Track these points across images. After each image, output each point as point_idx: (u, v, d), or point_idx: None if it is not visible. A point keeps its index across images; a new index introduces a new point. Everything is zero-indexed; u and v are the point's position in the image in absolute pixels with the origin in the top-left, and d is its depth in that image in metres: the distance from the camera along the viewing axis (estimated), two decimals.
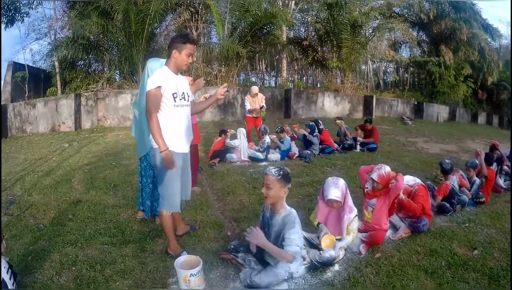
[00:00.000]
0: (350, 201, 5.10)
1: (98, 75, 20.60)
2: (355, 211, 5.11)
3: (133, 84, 19.00)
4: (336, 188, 4.94)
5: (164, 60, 5.47)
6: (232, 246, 4.76)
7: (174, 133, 4.58)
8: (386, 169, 5.35)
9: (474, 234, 6.10)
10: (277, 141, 11.42)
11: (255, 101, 12.18)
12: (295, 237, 4.16)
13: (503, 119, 43.81)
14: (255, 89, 12.63)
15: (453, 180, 7.67)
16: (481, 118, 40.31)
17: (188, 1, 21.80)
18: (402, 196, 5.80)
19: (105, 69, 21.54)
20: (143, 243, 5.15)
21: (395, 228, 5.91)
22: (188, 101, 4.78)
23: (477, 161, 8.47)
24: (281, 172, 4.23)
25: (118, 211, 6.46)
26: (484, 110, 41.46)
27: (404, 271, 4.73)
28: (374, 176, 5.34)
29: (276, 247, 4.20)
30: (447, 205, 7.04)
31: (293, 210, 4.39)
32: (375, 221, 5.46)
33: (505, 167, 10.04)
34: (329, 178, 5.18)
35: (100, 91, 18.35)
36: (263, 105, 12.13)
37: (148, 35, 18.13)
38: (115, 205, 6.85)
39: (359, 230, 5.32)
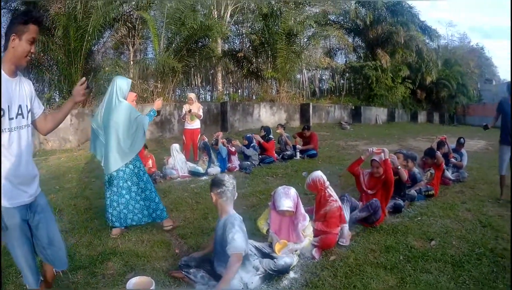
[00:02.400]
0: (302, 209, 5.04)
1: (39, 96, 19.81)
2: (308, 218, 5.09)
3: None
4: (287, 199, 4.87)
5: (130, 81, 6.02)
6: (183, 263, 4.51)
7: None
8: (313, 175, 5.56)
9: (429, 226, 6.21)
10: (238, 143, 11.69)
11: (192, 108, 12.04)
12: (235, 236, 3.98)
13: (444, 116, 45.40)
14: (190, 95, 12.59)
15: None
16: (421, 117, 41.43)
17: (126, 16, 21.36)
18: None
19: (45, 89, 20.78)
20: (93, 268, 4.86)
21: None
22: (27, 118, 3.27)
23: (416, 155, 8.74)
24: (210, 181, 4.45)
25: (65, 236, 6.04)
26: (424, 108, 42.66)
27: (362, 270, 4.65)
28: (305, 185, 5.63)
29: (224, 276, 3.93)
30: (402, 204, 7.05)
31: (236, 214, 4.33)
32: (325, 225, 5.43)
33: (452, 160, 10.35)
34: (280, 187, 5.07)
35: None
36: (190, 109, 11.97)
37: (87, 52, 17.58)
38: (62, 230, 6.47)
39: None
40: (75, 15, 16.93)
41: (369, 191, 6.58)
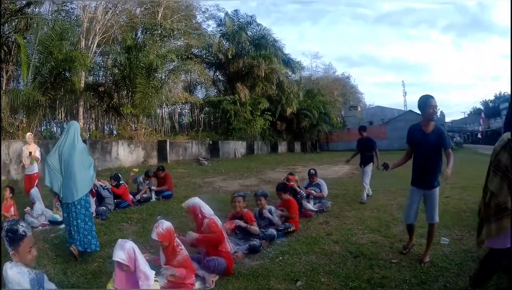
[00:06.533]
0: (142, 265, 4.67)
1: None
2: (151, 277, 4.70)
3: None
4: (121, 250, 4.56)
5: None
6: None
7: None
8: (164, 225, 5.11)
9: (292, 265, 5.79)
10: (106, 183, 11.00)
11: (28, 149, 11.16)
12: None
13: (305, 145, 47.26)
14: (27, 135, 11.83)
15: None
16: (282, 147, 42.83)
17: (4, 39, 20.11)
18: (195, 235, 5.74)
19: None
20: None
21: (203, 278, 5.41)
22: None
23: (266, 191, 8.22)
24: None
25: None
26: (285, 139, 44.24)
27: None
28: (154, 236, 5.04)
29: None
30: (256, 244, 6.52)
31: None
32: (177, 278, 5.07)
33: (312, 192, 9.98)
34: (119, 240, 4.80)
35: None
36: (30, 152, 11.04)
37: None
38: None
39: (163, 288, 4.94)
40: None
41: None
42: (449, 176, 5.52)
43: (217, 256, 5.56)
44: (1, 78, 20.90)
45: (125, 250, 4.52)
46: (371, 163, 11.13)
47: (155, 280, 4.71)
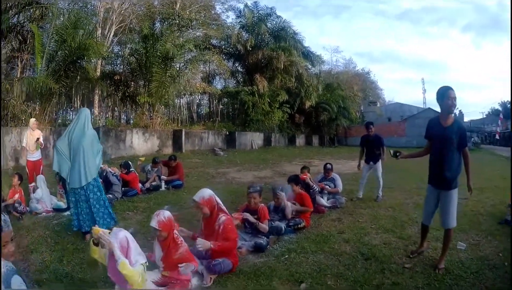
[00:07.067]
0: (134, 255, 4.48)
1: None
2: (139, 262, 4.46)
3: None
4: (113, 239, 4.43)
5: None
6: None
7: None
8: (166, 213, 4.88)
9: (298, 265, 5.51)
10: (116, 170, 11.15)
11: (33, 135, 11.17)
12: None
13: (323, 138, 46.68)
14: (31, 121, 11.70)
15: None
16: (300, 140, 42.36)
17: (19, 28, 20.41)
18: (208, 245, 5.15)
19: None
20: None
21: (200, 274, 5.15)
22: None
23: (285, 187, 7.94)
24: None
25: None
26: (302, 132, 43.86)
27: None
28: (154, 224, 4.77)
29: None
30: (263, 243, 6.19)
31: None
32: (171, 273, 4.85)
33: (327, 187, 9.76)
34: (114, 228, 4.71)
35: None
36: (38, 138, 11.14)
37: None
38: None
39: (157, 283, 4.77)
40: None
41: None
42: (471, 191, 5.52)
43: (224, 256, 5.22)
44: (15, 67, 21.06)
45: (117, 239, 4.39)
46: (380, 160, 10.84)
47: (141, 265, 4.47)
